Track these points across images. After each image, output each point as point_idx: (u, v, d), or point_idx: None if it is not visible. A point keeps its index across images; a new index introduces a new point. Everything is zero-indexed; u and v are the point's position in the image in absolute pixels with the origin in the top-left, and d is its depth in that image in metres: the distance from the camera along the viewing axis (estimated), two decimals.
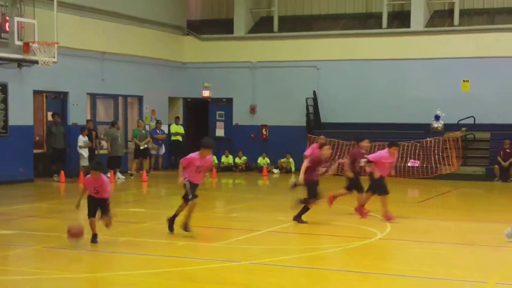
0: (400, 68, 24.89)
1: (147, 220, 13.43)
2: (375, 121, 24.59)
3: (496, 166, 22.33)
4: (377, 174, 12.99)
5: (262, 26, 27.56)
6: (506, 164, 22.21)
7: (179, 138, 26.21)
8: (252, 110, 26.80)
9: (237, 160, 26.14)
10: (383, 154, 13.32)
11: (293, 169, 25.07)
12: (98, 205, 10.46)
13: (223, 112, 27.45)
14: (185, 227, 11.15)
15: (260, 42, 26.91)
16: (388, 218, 12.90)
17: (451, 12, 25.19)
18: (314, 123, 25.54)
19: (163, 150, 25.41)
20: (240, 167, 25.74)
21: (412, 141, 23.23)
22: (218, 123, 27.60)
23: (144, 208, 15.48)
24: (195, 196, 11.01)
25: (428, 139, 23.30)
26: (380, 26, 25.70)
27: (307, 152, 15.07)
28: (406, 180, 22.30)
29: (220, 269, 9.21)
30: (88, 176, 10.63)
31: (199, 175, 11.16)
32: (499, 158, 22.36)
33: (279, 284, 8.47)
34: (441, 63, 24.34)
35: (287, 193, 18.85)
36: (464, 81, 24.24)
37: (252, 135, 26.41)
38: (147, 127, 24.91)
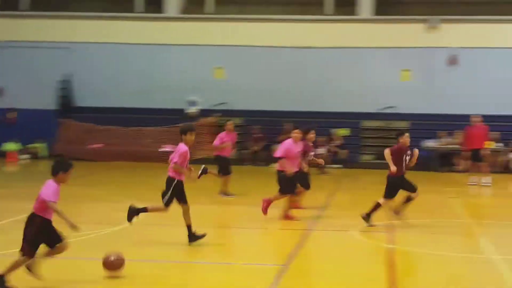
0: (156, 53, 24.84)
1: None
2: (130, 106, 24.32)
3: (247, 150, 23.28)
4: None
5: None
6: (256, 148, 23.24)
7: None
8: None
9: None
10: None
11: (44, 154, 23.88)
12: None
13: None
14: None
15: (4, 21, 25.21)
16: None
17: None
18: (67, 107, 24.61)
19: None
20: None
21: (167, 127, 23.28)
22: None
23: None
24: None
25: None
26: (135, 10, 25.43)
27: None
28: (161, 165, 22.23)
29: None
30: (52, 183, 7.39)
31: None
32: (250, 143, 23.31)
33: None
34: (197, 50, 24.73)
35: (36, 180, 17.82)
36: (217, 68, 24.87)
37: None
38: None
